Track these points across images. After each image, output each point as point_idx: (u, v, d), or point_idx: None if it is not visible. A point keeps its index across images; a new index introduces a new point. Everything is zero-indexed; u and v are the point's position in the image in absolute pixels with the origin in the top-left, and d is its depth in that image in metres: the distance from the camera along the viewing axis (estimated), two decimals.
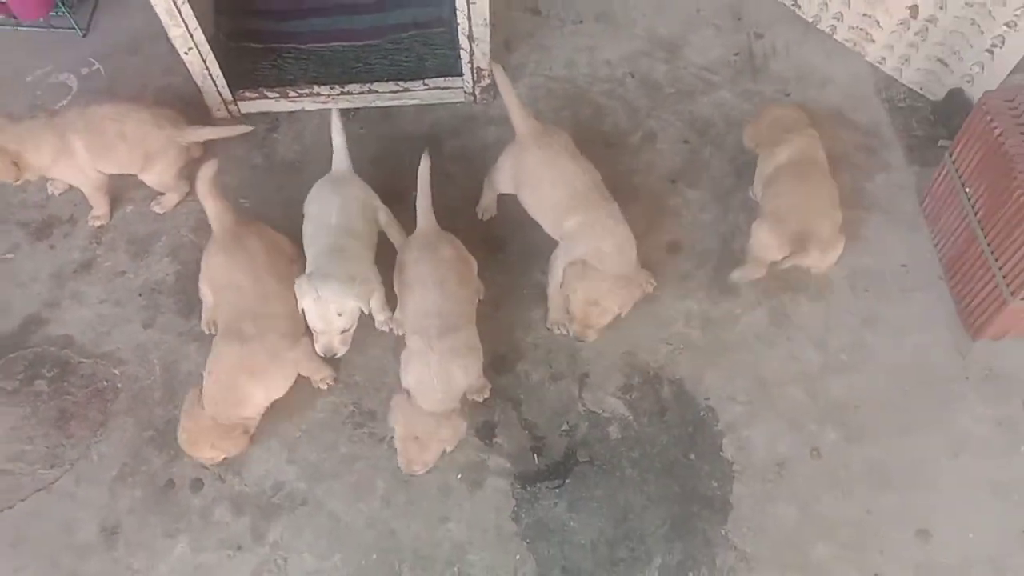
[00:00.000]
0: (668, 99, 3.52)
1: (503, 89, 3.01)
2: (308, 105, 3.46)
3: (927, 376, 2.92)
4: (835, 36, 3.63)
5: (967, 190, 2.90)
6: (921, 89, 3.47)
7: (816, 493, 2.74)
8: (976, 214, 2.86)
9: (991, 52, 3.16)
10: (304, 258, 2.80)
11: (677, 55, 3.65)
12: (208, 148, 3.29)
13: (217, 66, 3.22)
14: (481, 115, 3.48)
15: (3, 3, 3.55)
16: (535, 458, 2.81)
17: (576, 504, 2.74)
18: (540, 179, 2.92)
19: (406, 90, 3.43)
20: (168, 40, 3.15)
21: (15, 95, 3.53)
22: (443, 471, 2.77)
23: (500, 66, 3.05)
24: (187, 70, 3.25)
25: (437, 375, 2.58)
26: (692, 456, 2.81)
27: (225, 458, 2.74)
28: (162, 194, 3.24)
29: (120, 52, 3.67)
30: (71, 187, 3.23)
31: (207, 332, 2.94)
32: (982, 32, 3.14)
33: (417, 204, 2.89)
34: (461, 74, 3.38)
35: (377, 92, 3.42)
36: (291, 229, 2.93)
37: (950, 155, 2.99)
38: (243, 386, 2.65)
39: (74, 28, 3.69)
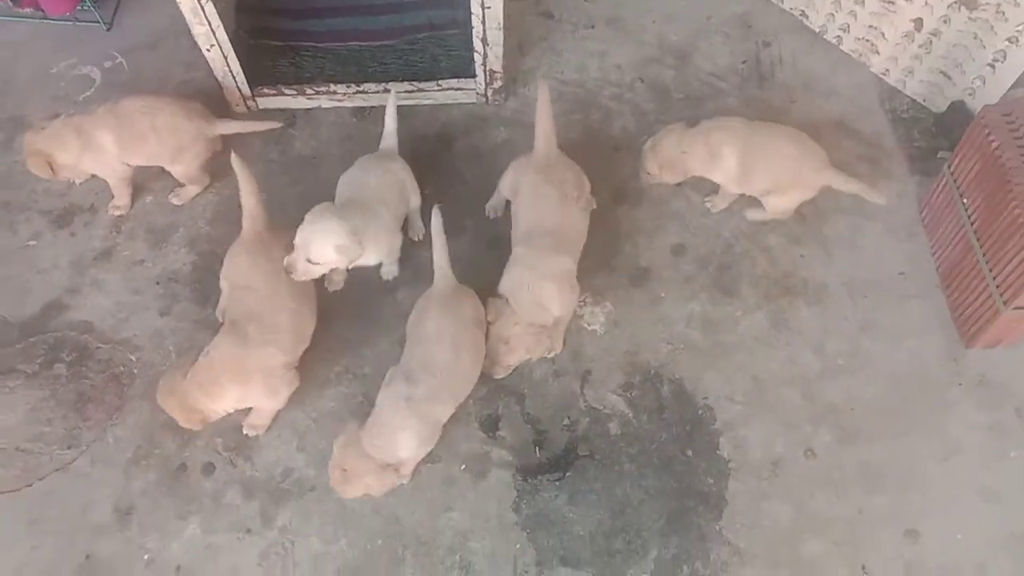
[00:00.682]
0: (676, 104, 3.59)
1: (542, 107, 3.05)
2: (324, 103, 3.54)
3: (921, 382, 3.00)
4: (841, 46, 3.70)
5: (964, 201, 2.97)
6: (924, 101, 3.54)
7: (809, 492, 2.81)
8: (972, 224, 2.92)
9: (993, 66, 3.22)
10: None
11: (686, 62, 3.72)
12: (226, 142, 3.38)
13: (237, 63, 3.31)
14: (492, 116, 3.57)
15: None
16: (537, 451, 2.89)
17: (576, 497, 2.82)
18: (525, 198, 3.00)
19: (420, 90, 3.52)
20: (189, 36, 3.24)
21: (40, 86, 3.63)
22: (447, 462, 2.86)
23: (547, 84, 3.09)
24: (208, 66, 3.34)
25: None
26: (689, 453, 2.89)
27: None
28: (181, 186, 3.33)
29: (142, 47, 3.77)
30: (93, 176, 3.32)
31: (219, 320, 3.02)
32: (984, 46, 3.21)
33: (434, 261, 2.83)
34: (474, 76, 3.46)
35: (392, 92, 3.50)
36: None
37: (949, 166, 3.06)
38: (223, 383, 2.69)
39: (98, 22, 3.79)
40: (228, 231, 3.20)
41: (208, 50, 3.24)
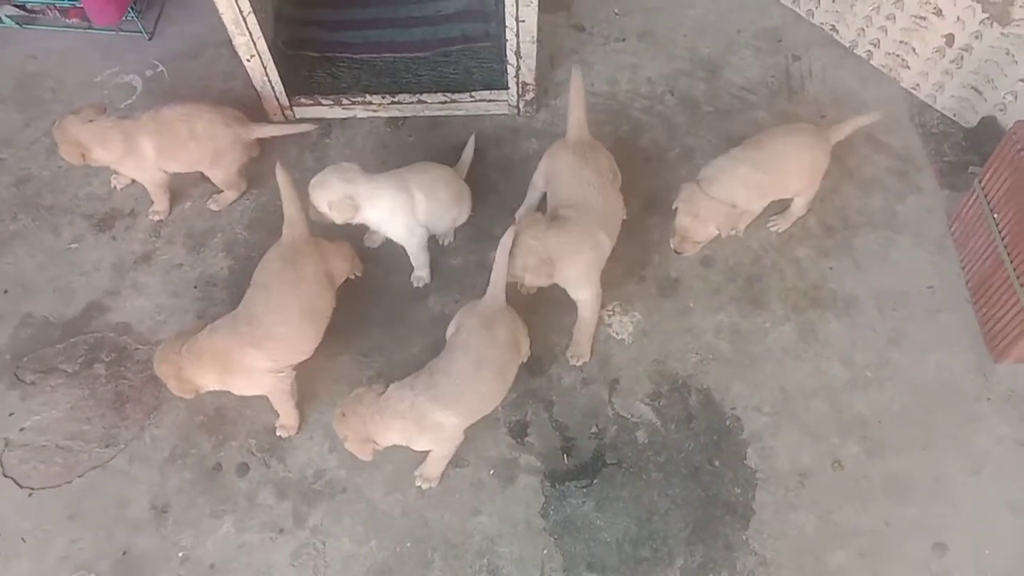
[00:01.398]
0: (706, 117, 3.63)
1: (575, 94, 3.11)
2: (360, 113, 3.61)
3: (950, 395, 3.00)
4: (871, 61, 3.72)
5: (995, 216, 2.97)
6: (954, 116, 3.55)
7: (836, 503, 2.82)
8: (1003, 239, 2.93)
9: None
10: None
11: (717, 75, 3.76)
12: (263, 150, 3.46)
13: (276, 73, 3.39)
14: (524, 127, 3.62)
15: (79, 8, 3.75)
16: (565, 458, 2.92)
17: (603, 504, 2.84)
18: (563, 179, 3.05)
19: (453, 101, 3.58)
20: (228, 46, 3.33)
21: (84, 94, 3.72)
22: (476, 467, 2.90)
23: (579, 70, 3.12)
24: (247, 76, 3.42)
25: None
26: (716, 463, 2.91)
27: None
28: (219, 192, 3.41)
29: (183, 57, 3.87)
30: (133, 182, 3.42)
31: None
32: (1016, 62, 3.22)
33: (492, 277, 2.83)
34: (507, 87, 3.52)
35: (426, 103, 3.57)
36: (337, 231, 3.08)
37: (980, 181, 3.07)
38: (206, 363, 2.72)
39: (140, 32, 3.89)
40: (265, 236, 3.29)
41: (248, 60, 3.32)
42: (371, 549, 2.78)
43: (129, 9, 3.78)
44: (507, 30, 3.21)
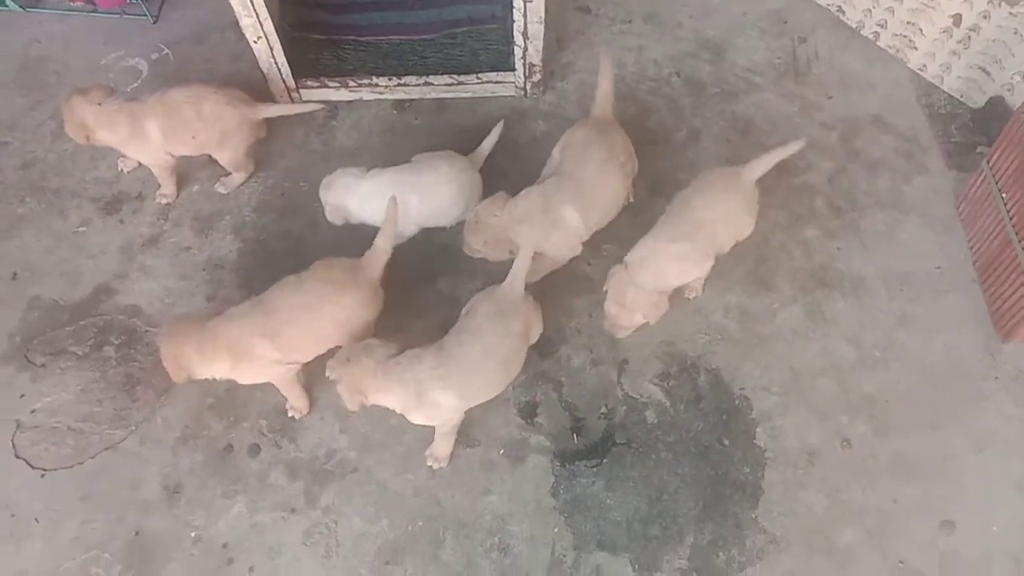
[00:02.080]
0: (712, 99, 3.63)
1: (604, 76, 3.17)
2: (366, 95, 3.61)
3: (957, 375, 3.01)
4: (878, 42, 3.72)
5: (1003, 195, 2.98)
6: (961, 96, 3.55)
7: (844, 482, 2.84)
8: (1012, 219, 2.94)
9: None
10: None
11: (722, 57, 3.76)
12: (270, 132, 3.45)
13: (283, 55, 3.38)
14: (531, 109, 3.62)
15: None
16: (574, 438, 2.94)
17: (612, 483, 2.86)
18: (573, 151, 3.08)
19: (460, 83, 3.57)
20: (234, 29, 3.32)
21: (90, 77, 3.70)
22: (486, 447, 2.92)
23: (609, 53, 3.22)
24: (253, 58, 3.41)
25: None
26: (726, 442, 2.92)
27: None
28: (227, 175, 3.41)
29: (188, 40, 3.85)
30: (140, 165, 3.41)
31: None
32: None
33: (513, 267, 2.82)
34: (513, 69, 3.51)
35: (432, 84, 3.57)
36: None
37: (987, 161, 3.07)
38: (219, 342, 2.72)
39: (145, 15, 3.88)
40: (273, 219, 3.30)
41: (255, 42, 3.31)
42: (382, 528, 2.79)
43: None
44: (514, 10, 3.20)
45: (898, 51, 3.67)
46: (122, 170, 3.49)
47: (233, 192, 3.43)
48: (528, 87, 3.58)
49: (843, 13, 3.79)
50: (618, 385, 3.03)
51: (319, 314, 2.75)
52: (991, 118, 3.38)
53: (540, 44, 3.35)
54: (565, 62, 3.74)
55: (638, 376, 3.04)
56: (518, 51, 3.40)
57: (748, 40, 3.81)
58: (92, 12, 3.87)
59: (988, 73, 3.40)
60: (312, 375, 2.95)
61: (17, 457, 2.92)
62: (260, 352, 2.73)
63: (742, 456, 2.90)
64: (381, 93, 3.60)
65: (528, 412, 2.98)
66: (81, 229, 3.38)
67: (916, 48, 3.59)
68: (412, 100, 3.63)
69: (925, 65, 3.61)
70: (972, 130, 3.48)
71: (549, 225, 3.00)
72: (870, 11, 3.66)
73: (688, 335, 3.11)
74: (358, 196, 3.13)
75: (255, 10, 3.16)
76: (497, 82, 3.58)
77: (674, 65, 3.74)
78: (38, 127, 3.61)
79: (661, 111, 3.61)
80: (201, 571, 2.74)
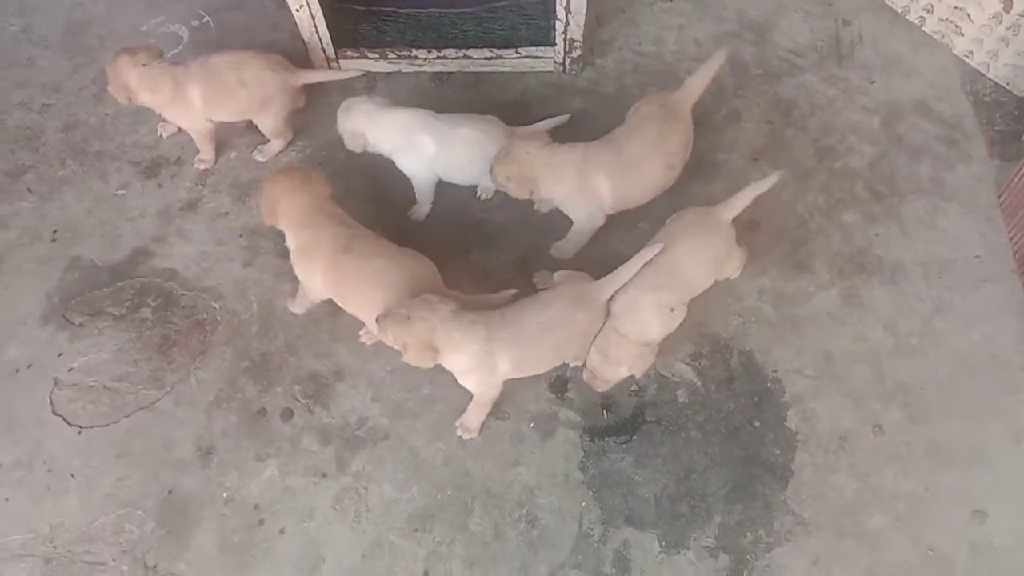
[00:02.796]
0: (754, 80, 3.60)
1: (708, 68, 3.12)
2: (405, 67, 3.61)
3: (994, 365, 2.98)
4: (923, 27, 3.67)
5: None
6: (1008, 84, 3.49)
7: (876, 467, 2.82)
8: None
9: None
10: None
11: (765, 38, 3.72)
12: (309, 102, 3.46)
13: (324, 24, 3.38)
14: (569, 85, 3.60)
15: None
16: (604, 414, 2.94)
17: (641, 460, 2.86)
18: (629, 123, 3.08)
19: (499, 57, 3.56)
20: None
21: (131, 42, 3.68)
22: (516, 419, 2.92)
23: (724, 54, 3.16)
24: (293, 26, 3.42)
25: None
26: (757, 424, 2.91)
27: None
28: (265, 142, 3.42)
29: (228, 7, 3.87)
30: (179, 130, 3.44)
31: None
32: None
33: (620, 271, 2.79)
34: (553, 44, 3.49)
35: (471, 58, 3.56)
36: (379, 178, 3.12)
37: None
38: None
39: None
40: None
41: (297, 10, 3.32)
42: (412, 495, 2.81)
43: None
44: None
45: (944, 36, 3.62)
46: (161, 135, 3.51)
47: (271, 160, 3.44)
48: (567, 63, 3.56)
49: None
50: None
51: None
52: None
53: (582, 19, 3.33)
54: (605, 39, 3.72)
55: (669, 355, 3.03)
56: (559, 26, 3.38)
57: (791, 22, 3.77)
58: None
59: None
60: (345, 340, 2.96)
61: (55, 414, 2.96)
62: None
63: (773, 438, 2.89)
64: (420, 65, 3.60)
65: (559, 387, 2.99)
66: (120, 192, 3.41)
67: (963, 34, 3.53)
68: (450, 73, 3.63)
69: (971, 51, 3.55)
70: (1017, 119, 3.43)
71: (576, 185, 2.99)
72: None
73: (721, 316, 3.10)
74: (378, 126, 3.14)
75: None
76: (536, 57, 3.57)
77: (716, 45, 3.69)
78: (80, 90, 3.65)
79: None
80: (232, 531, 2.77)
